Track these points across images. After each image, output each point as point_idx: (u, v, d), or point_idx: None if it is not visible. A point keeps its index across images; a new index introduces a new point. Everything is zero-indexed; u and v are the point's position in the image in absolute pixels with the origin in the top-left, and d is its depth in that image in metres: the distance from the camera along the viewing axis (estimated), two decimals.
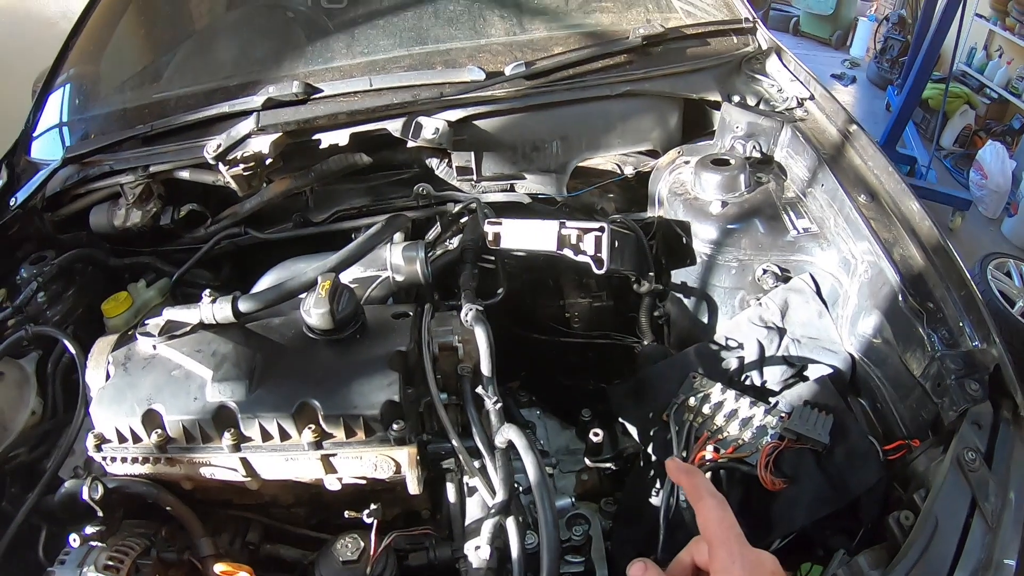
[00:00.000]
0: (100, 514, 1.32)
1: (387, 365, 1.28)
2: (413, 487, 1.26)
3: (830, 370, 1.41)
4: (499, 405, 1.28)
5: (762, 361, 1.45)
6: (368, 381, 1.26)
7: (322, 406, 1.24)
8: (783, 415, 1.34)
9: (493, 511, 1.22)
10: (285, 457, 1.27)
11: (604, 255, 1.42)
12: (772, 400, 1.40)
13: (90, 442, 1.32)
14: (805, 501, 1.29)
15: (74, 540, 1.29)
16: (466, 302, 1.40)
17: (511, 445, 1.25)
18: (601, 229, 1.42)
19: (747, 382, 1.47)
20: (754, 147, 1.63)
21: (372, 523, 1.24)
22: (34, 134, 2.09)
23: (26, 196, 1.78)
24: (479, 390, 1.30)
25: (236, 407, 1.26)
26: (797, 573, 1.28)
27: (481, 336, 1.32)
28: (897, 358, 1.33)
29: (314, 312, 1.30)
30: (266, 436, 1.26)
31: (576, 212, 1.74)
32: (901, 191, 1.46)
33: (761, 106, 1.78)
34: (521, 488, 1.35)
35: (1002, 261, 4.21)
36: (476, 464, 1.29)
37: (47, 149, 2.01)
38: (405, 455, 1.24)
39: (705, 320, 1.56)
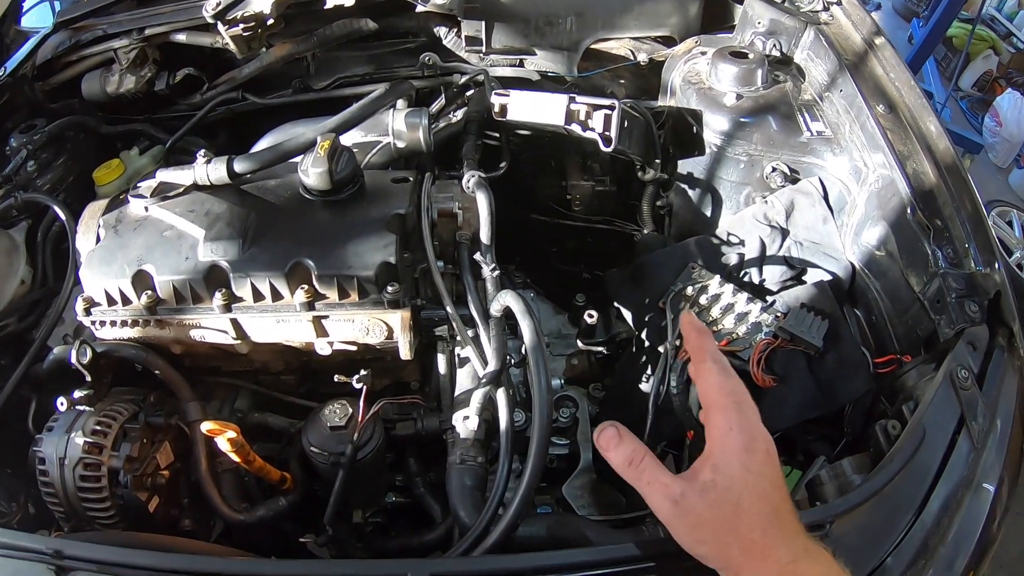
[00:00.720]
0: (88, 379, 1.28)
1: (384, 227, 1.23)
2: (405, 352, 1.22)
3: (829, 276, 1.38)
4: (496, 273, 1.24)
5: (763, 260, 1.41)
6: (364, 242, 1.21)
7: (316, 266, 1.19)
8: (779, 314, 1.31)
9: (484, 381, 1.19)
10: (276, 319, 1.23)
11: (613, 133, 1.35)
12: (769, 299, 1.37)
13: (79, 306, 1.28)
14: (793, 402, 1.28)
15: (61, 404, 1.26)
16: (468, 170, 1.34)
17: (505, 315, 1.21)
18: (612, 107, 1.35)
19: (745, 279, 1.44)
20: (774, 45, 1.55)
21: (361, 389, 1.21)
22: (24, 2, 1.99)
23: (16, 64, 1.70)
24: (477, 257, 1.26)
25: (228, 266, 1.22)
26: None
27: (483, 202, 1.27)
28: (898, 272, 1.30)
29: (312, 171, 1.24)
30: (258, 296, 1.22)
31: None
32: (921, 107, 1.41)
33: (786, 4, 1.70)
34: (512, 361, 1.31)
35: (1005, 210, 4.16)
36: (469, 333, 1.25)
37: (38, 19, 1.92)
38: (398, 319, 1.20)
39: (708, 213, 1.52)
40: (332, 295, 1.20)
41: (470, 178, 1.31)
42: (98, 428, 1.24)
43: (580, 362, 1.46)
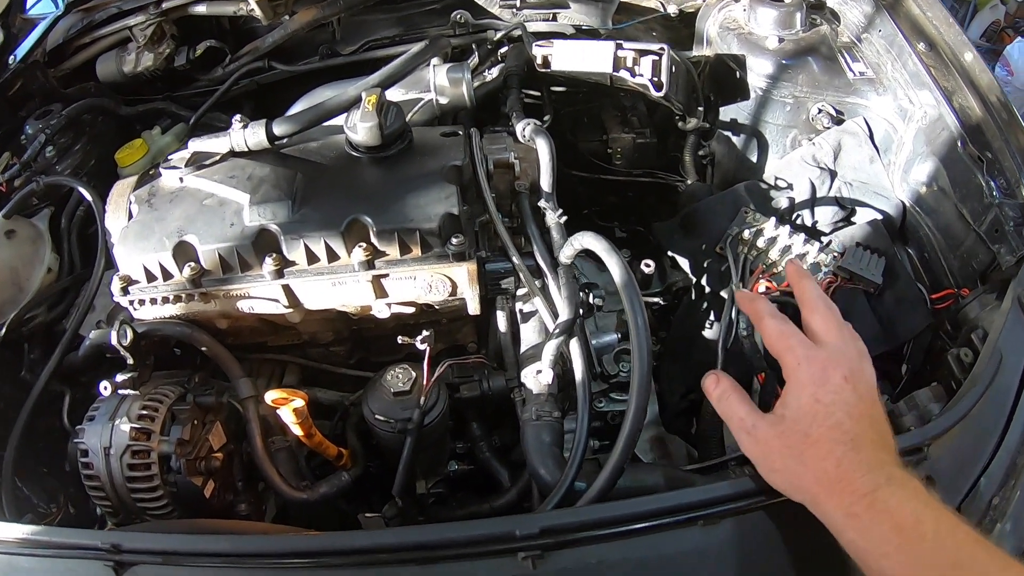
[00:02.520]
0: (130, 362, 1.13)
1: (442, 178, 1.09)
2: (473, 307, 1.09)
3: (880, 216, 1.29)
4: (564, 219, 1.10)
5: (813, 201, 1.32)
6: (424, 194, 1.08)
7: (374, 221, 1.06)
8: (836, 254, 1.23)
9: (557, 332, 1.06)
10: (332, 281, 1.09)
11: (663, 77, 1.24)
12: (824, 239, 1.28)
13: (115, 285, 1.12)
14: None
15: (105, 388, 1.11)
16: (519, 120, 1.21)
17: (575, 262, 1.08)
18: (660, 51, 1.24)
19: (798, 221, 1.35)
20: None
21: (425, 350, 1.07)
22: None
23: (26, 51, 1.53)
24: (541, 203, 1.13)
25: (278, 229, 1.08)
26: None
27: (544, 148, 1.14)
28: (951, 207, 1.22)
29: (360, 127, 1.11)
30: (312, 258, 1.08)
31: None
32: (961, 42, 1.33)
33: None
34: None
35: None
36: (537, 284, 1.12)
37: (43, 5, 1.74)
38: (464, 272, 1.07)
39: (753, 159, 1.41)
40: (392, 251, 1.06)
41: (526, 126, 1.18)
42: (144, 412, 1.09)
43: None
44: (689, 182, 1.42)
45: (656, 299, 1.29)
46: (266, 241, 1.08)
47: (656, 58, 1.24)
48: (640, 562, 0.83)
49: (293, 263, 1.08)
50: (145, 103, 1.60)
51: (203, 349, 1.16)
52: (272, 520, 1.24)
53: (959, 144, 1.22)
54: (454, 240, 1.04)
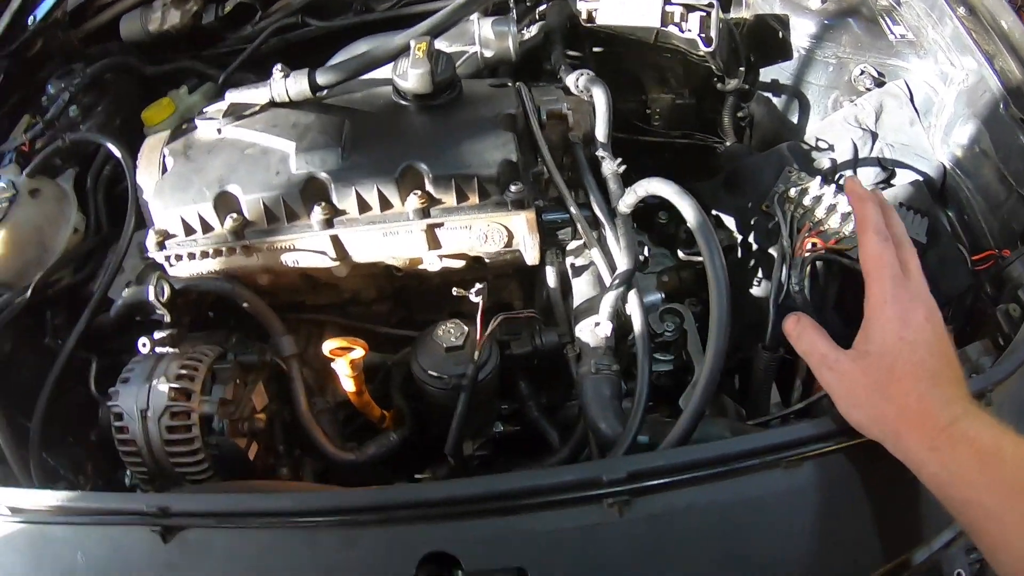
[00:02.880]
0: (167, 320, 1.06)
1: (498, 126, 1.04)
2: (532, 256, 1.04)
3: (921, 177, 1.26)
4: (623, 168, 1.05)
5: (856, 162, 1.28)
6: (480, 141, 1.03)
7: (430, 168, 1.00)
8: None
9: (616, 283, 1.01)
10: (383, 231, 1.03)
11: (713, 33, 1.21)
12: None
13: (151, 240, 1.06)
14: None
15: (144, 344, 1.04)
16: (569, 72, 1.17)
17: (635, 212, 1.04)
18: (710, 6, 1.21)
19: (840, 182, 1.29)
20: None
21: (479, 303, 1.01)
22: None
23: (47, 11, 1.45)
24: (599, 153, 1.08)
25: (328, 177, 1.02)
26: None
27: (600, 96, 1.10)
28: (992, 169, 1.20)
29: (411, 74, 1.05)
30: (364, 207, 1.02)
31: None
32: (1000, 7, 1.31)
33: None
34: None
35: None
36: (594, 235, 1.07)
37: None
38: (523, 220, 1.02)
39: (794, 120, 1.38)
40: (448, 199, 1.01)
41: (580, 76, 1.14)
42: (184, 372, 1.02)
43: (671, 278, 1.30)
44: (728, 143, 1.39)
45: (700, 257, 1.24)
46: (314, 189, 1.03)
47: (704, 14, 1.20)
48: (728, 505, 0.80)
49: (343, 212, 1.02)
50: (171, 62, 1.52)
51: (244, 305, 1.09)
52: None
53: (1001, 106, 1.19)
54: (513, 187, 1.00)
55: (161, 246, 1.07)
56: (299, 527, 0.80)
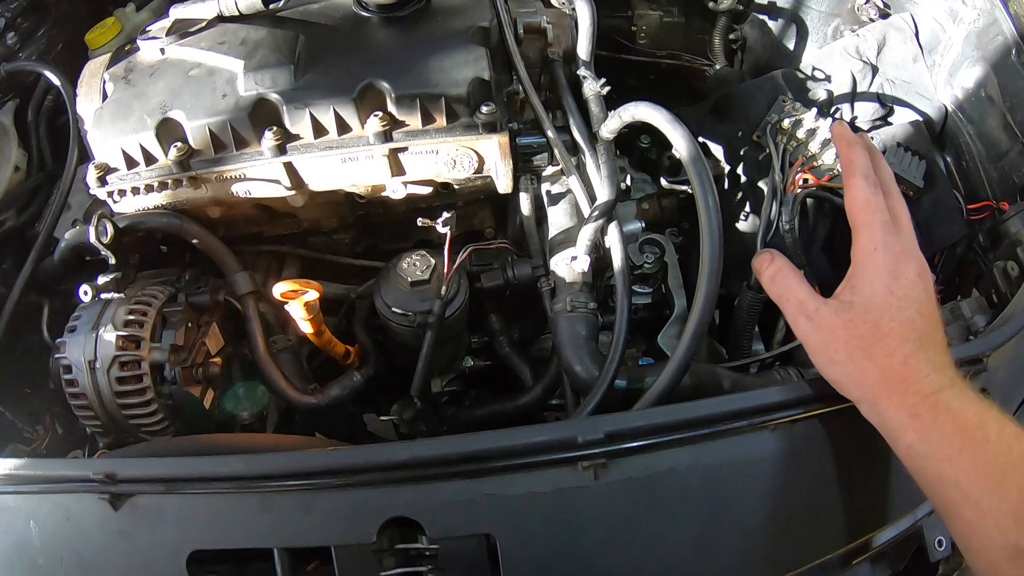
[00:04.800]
0: (112, 262, 0.88)
1: (469, 40, 0.85)
2: (504, 184, 0.88)
3: (919, 117, 1.11)
4: (607, 89, 0.87)
5: (853, 96, 1.13)
6: (449, 57, 0.85)
7: (392, 87, 0.83)
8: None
9: (596, 214, 0.85)
10: (342, 157, 0.86)
11: None
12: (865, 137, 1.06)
13: (91, 175, 0.89)
14: None
15: (85, 293, 0.89)
16: None
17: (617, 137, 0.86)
18: None
19: (836, 115, 1.15)
20: None
21: (446, 233, 0.84)
22: None
23: None
24: (581, 72, 0.90)
25: (279, 98, 0.84)
26: None
27: (584, 9, 0.92)
28: (997, 116, 1.05)
29: None
30: (319, 131, 0.84)
31: None
32: None
33: None
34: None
35: None
36: (572, 161, 0.90)
37: None
38: (494, 144, 0.85)
39: (790, 46, 1.21)
40: (413, 121, 0.83)
41: None
42: (131, 318, 0.88)
43: (651, 206, 1.15)
44: (718, 67, 1.21)
45: (685, 187, 1.07)
46: (265, 112, 0.85)
47: None
48: (711, 468, 0.68)
49: (297, 137, 0.85)
50: None
51: (194, 242, 0.93)
52: (275, 427, 1.04)
53: (1013, 52, 1.04)
54: (484, 108, 0.82)
55: (102, 181, 0.90)
56: (253, 491, 0.68)
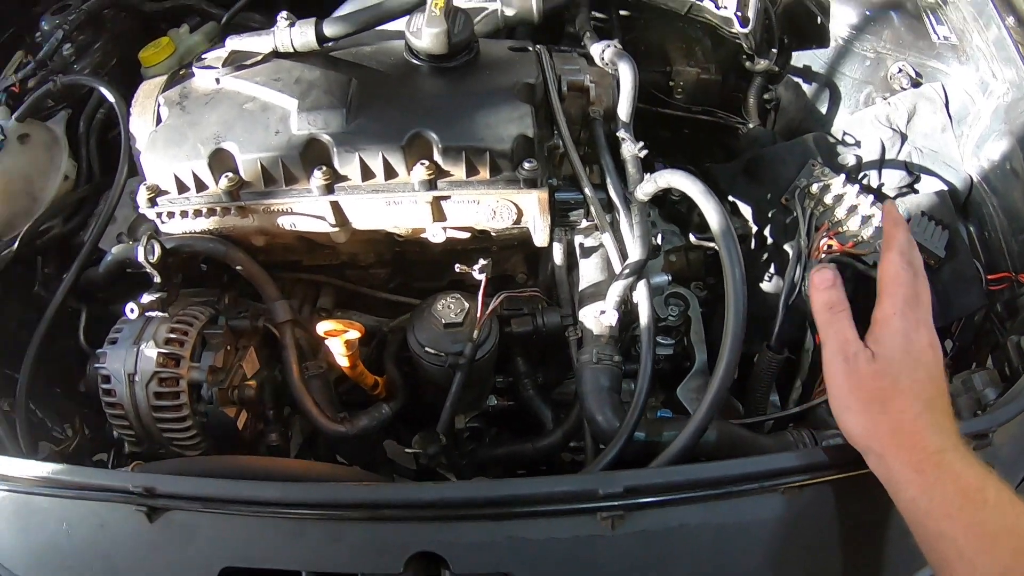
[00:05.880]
0: (157, 280, 0.97)
1: (515, 97, 0.94)
2: (541, 237, 0.96)
3: (945, 187, 1.19)
4: (644, 152, 0.96)
5: (882, 163, 1.20)
6: (495, 113, 0.93)
7: (440, 138, 0.91)
8: None
9: (627, 272, 0.93)
10: (387, 200, 0.95)
11: (751, 13, 1.11)
12: None
13: (142, 195, 0.97)
14: None
15: (132, 310, 0.96)
16: (594, 42, 1.07)
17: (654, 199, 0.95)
18: None
19: (864, 181, 1.23)
20: None
21: (482, 280, 0.93)
22: None
23: None
24: (620, 133, 0.98)
25: (330, 140, 0.93)
26: None
27: (626, 73, 1.00)
28: (1021, 189, 1.12)
29: (426, 32, 0.95)
30: (367, 174, 0.93)
31: None
32: None
33: None
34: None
35: None
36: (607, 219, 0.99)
37: None
38: (534, 199, 0.93)
39: (823, 110, 1.29)
40: (458, 172, 0.92)
41: (606, 48, 1.04)
42: (172, 336, 0.96)
43: (679, 259, 1.23)
44: (751, 125, 1.30)
45: (713, 244, 1.16)
46: (315, 152, 0.94)
47: None
48: (721, 527, 0.75)
49: (345, 178, 0.94)
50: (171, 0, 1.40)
51: (238, 268, 1.01)
52: (299, 449, 1.13)
53: None
54: (527, 165, 0.91)
55: (152, 202, 0.98)
56: (286, 517, 0.75)
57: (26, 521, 0.85)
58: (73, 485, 0.82)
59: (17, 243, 1.10)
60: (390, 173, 0.92)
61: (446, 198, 0.93)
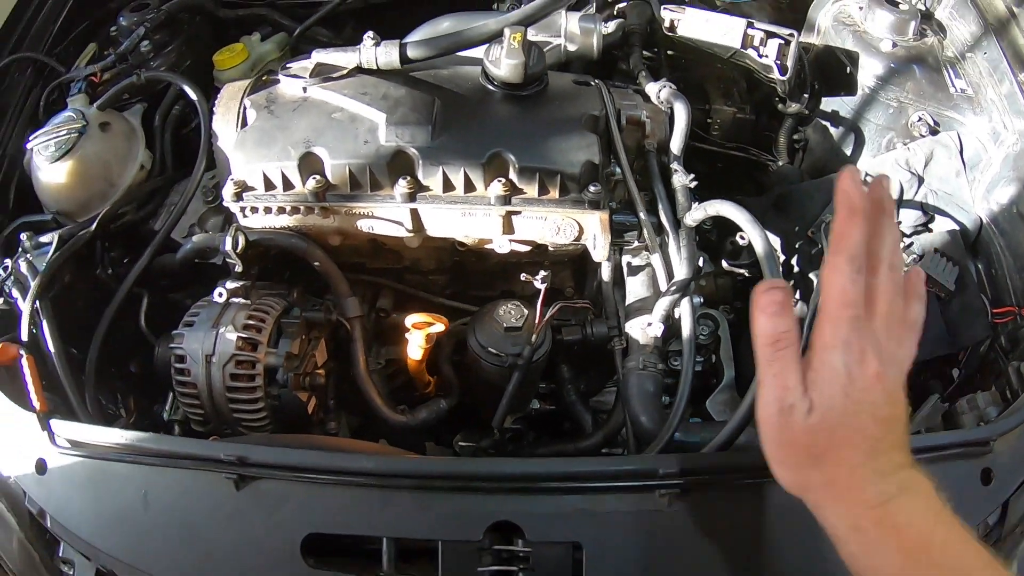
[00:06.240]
0: (238, 269, 1.11)
1: (582, 126, 1.10)
2: (600, 254, 1.11)
3: (957, 227, 1.35)
4: (695, 183, 1.12)
5: (900, 203, 1.36)
6: (565, 139, 1.09)
7: (517, 159, 1.06)
8: (916, 256, 1.29)
9: (673, 289, 1.08)
10: (463, 212, 1.10)
11: (790, 62, 1.28)
12: (906, 240, 1.34)
13: (228, 190, 1.10)
14: (928, 338, 1.21)
15: (220, 294, 1.09)
16: (649, 80, 1.24)
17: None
18: (790, 36, 1.27)
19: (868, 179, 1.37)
20: None
21: (542, 289, 1.08)
22: None
23: None
24: (674, 165, 1.14)
25: (416, 153, 1.07)
26: None
27: (681, 112, 1.16)
28: None
29: (505, 62, 1.10)
30: (448, 186, 1.08)
31: None
32: None
33: None
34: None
35: None
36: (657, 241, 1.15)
37: None
38: (596, 220, 1.09)
39: (847, 152, 1.46)
40: (531, 190, 1.07)
41: (662, 88, 1.20)
42: (251, 323, 1.08)
43: (708, 284, 1.38)
44: (780, 163, 1.46)
45: (744, 270, 1.32)
46: (401, 163, 1.08)
47: (783, 42, 1.26)
48: (760, 509, 0.89)
49: (427, 188, 1.08)
50: (246, 7, 1.54)
51: (315, 264, 1.15)
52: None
53: None
54: (592, 188, 1.06)
55: (239, 197, 1.11)
56: (375, 487, 0.87)
57: (100, 488, 0.94)
58: (160, 453, 0.92)
59: (96, 224, 1.19)
60: (469, 187, 1.07)
61: (517, 213, 1.08)
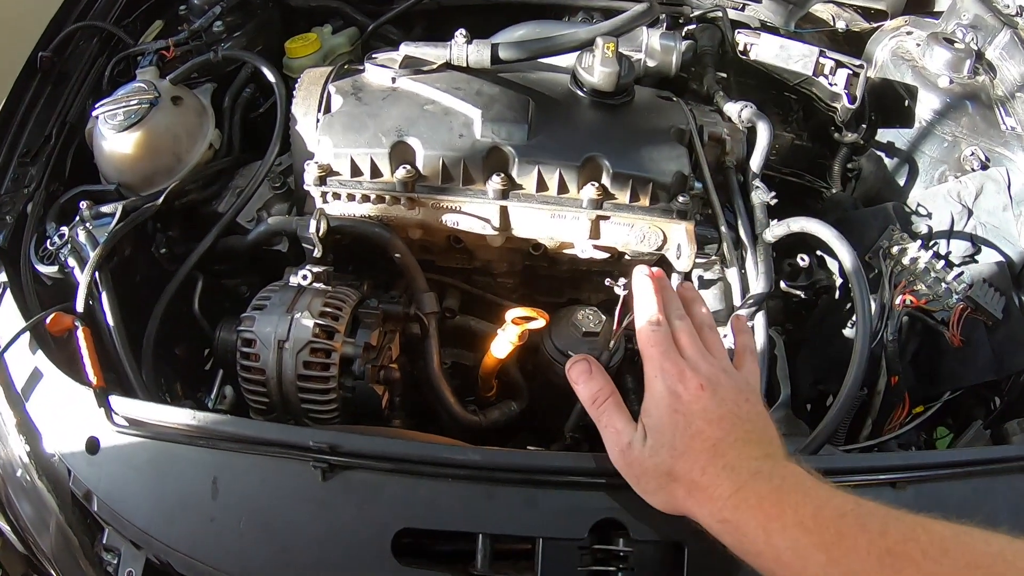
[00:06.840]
0: (317, 255, 1.11)
1: (671, 138, 1.15)
2: (684, 264, 1.15)
3: (1003, 259, 1.43)
4: (776, 201, 1.17)
5: (950, 234, 1.45)
6: (657, 149, 1.14)
7: (612, 164, 1.11)
8: (966, 285, 1.36)
9: (751, 302, 1.13)
10: (552, 213, 1.13)
11: (859, 92, 1.35)
12: (956, 270, 1.40)
13: (311, 173, 1.12)
14: (977, 364, 1.33)
15: (305, 277, 1.09)
16: (726, 100, 1.31)
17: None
18: (860, 67, 1.35)
19: (934, 248, 1.46)
20: (972, 39, 1.59)
21: (622, 295, 1.11)
22: None
23: None
24: (755, 183, 1.20)
25: (512, 151, 1.11)
26: (935, 434, 1.39)
27: (763, 131, 1.23)
28: None
29: (599, 70, 1.15)
30: (541, 186, 1.12)
31: None
32: None
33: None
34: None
35: None
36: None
37: None
38: (682, 230, 1.14)
39: (900, 183, 1.54)
40: (622, 196, 1.12)
41: (743, 108, 1.27)
42: (327, 310, 1.06)
43: None
44: (834, 191, 1.54)
45: (800, 292, 1.38)
46: (496, 159, 1.11)
47: (851, 72, 1.34)
48: None
49: (520, 187, 1.12)
50: None
51: (396, 256, 1.16)
52: None
53: None
54: (681, 198, 1.11)
55: (322, 181, 1.12)
56: (477, 480, 0.87)
57: (161, 471, 0.91)
58: (238, 438, 0.89)
59: (163, 198, 1.19)
60: (562, 188, 1.11)
61: (606, 218, 1.12)
